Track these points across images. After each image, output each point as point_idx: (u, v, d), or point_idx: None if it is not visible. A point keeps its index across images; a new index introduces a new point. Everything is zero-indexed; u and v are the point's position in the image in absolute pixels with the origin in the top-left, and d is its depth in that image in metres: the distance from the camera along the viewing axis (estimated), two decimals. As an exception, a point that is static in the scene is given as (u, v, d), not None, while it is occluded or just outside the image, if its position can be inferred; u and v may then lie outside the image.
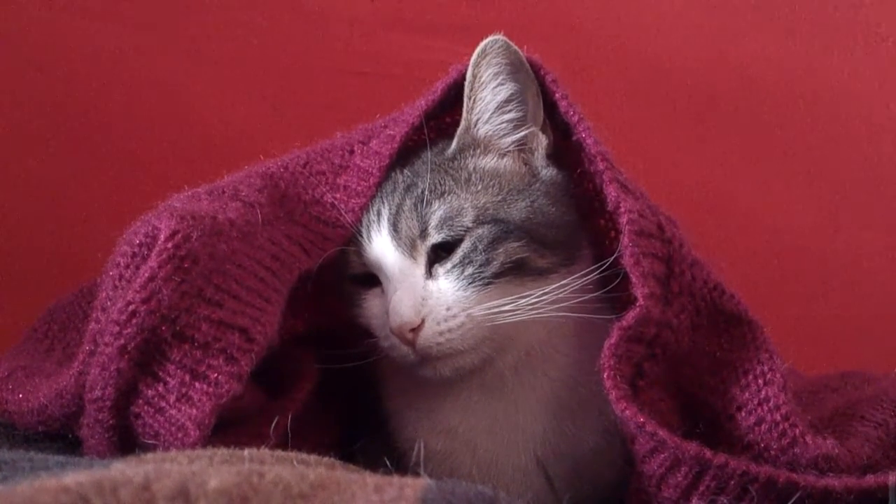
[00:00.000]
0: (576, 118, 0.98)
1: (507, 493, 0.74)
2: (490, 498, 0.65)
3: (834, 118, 1.80)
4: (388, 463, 0.82)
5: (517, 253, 0.95)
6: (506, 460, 0.99)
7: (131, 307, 0.79)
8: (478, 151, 1.02)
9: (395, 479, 0.67)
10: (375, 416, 1.05)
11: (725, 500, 0.84)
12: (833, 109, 1.80)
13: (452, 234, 0.96)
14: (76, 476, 0.57)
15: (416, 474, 0.71)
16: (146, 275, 0.80)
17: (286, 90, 1.75)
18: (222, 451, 0.73)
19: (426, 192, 0.97)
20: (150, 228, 0.84)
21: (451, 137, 1.03)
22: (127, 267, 0.85)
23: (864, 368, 1.25)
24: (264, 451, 0.76)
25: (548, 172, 1.02)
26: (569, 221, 1.00)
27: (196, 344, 0.81)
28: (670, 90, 1.79)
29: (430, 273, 0.96)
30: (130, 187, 1.48)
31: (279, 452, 0.76)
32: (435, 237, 0.96)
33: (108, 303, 0.85)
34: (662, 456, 0.85)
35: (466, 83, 1.00)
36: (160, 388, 0.81)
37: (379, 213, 0.99)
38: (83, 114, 1.74)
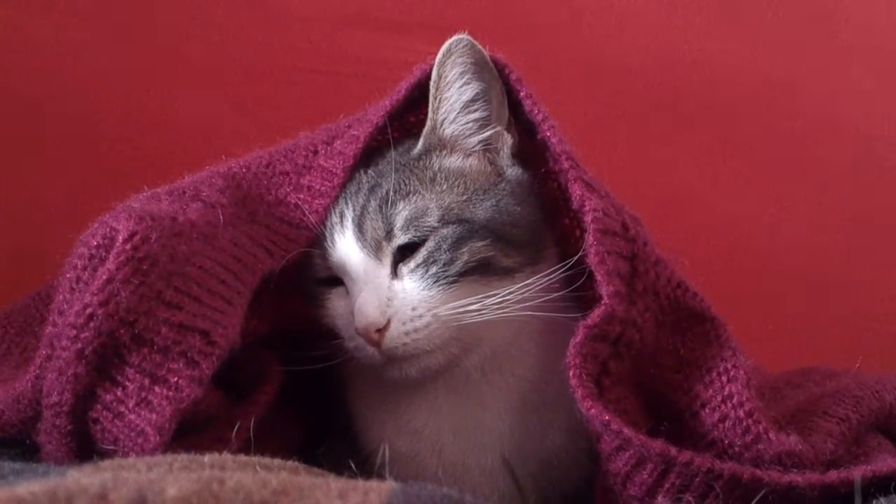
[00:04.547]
0: (540, 117, 0.98)
1: (473, 495, 0.74)
2: (456, 500, 0.65)
3: (793, 116, 1.82)
4: (353, 466, 0.81)
5: (482, 252, 0.95)
6: (472, 461, 0.99)
7: (88, 310, 0.78)
8: (444, 152, 1.02)
9: (360, 483, 0.66)
10: (340, 418, 1.04)
11: (691, 498, 0.84)
12: (791, 107, 1.82)
13: (418, 234, 0.95)
14: (30, 486, 0.56)
15: (382, 477, 0.70)
16: (104, 277, 0.79)
17: (249, 89, 1.73)
18: (182, 458, 0.72)
19: (391, 193, 0.97)
20: (108, 230, 0.83)
21: (415, 137, 1.03)
22: (84, 269, 0.83)
23: (825, 364, 1.27)
24: (226, 457, 0.74)
25: (513, 172, 1.02)
26: (534, 220, 1.00)
27: (155, 347, 0.80)
28: (633, 89, 1.80)
29: (395, 273, 0.96)
30: (88, 187, 1.45)
31: (241, 457, 0.75)
32: (401, 238, 0.95)
33: (65, 306, 0.84)
34: (628, 454, 0.85)
35: (432, 83, 1.00)
36: (119, 393, 0.80)
37: (342, 215, 0.98)
38: (40, 110, 1.70)
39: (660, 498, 0.85)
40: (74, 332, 0.78)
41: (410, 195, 0.97)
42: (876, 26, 1.83)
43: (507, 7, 1.77)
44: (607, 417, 0.84)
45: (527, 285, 0.94)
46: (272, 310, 0.97)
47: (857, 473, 0.86)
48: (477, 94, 1.00)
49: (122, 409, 0.79)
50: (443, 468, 0.99)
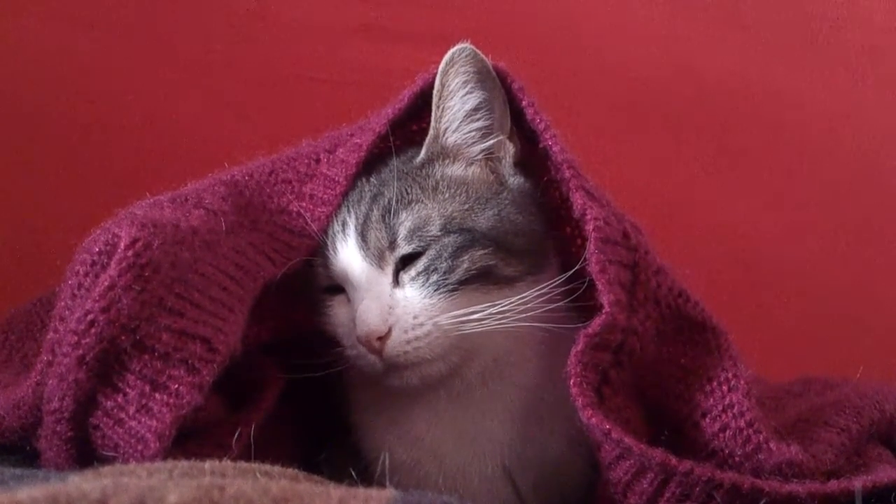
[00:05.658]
0: (542, 126, 0.98)
1: (474, 503, 0.73)
2: (456, 508, 0.65)
3: (792, 124, 1.83)
4: (353, 473, 0.81)
5: (482, 261, 0.95)
6: (473, 469, 0.99)
7: (90, 316, 0.78)
8: (446, 160, 1.02)
9: (361, 491, 0.66)
10: (341, 425, 1.04)
11: (691, 507, 0.84)
12: (790, 116, 1.82)
13: (421, 244, 0.95)
14: (30, 491, 0.56)
15: (382, 485, 0.70)
16: (105, 283, 0.79)
17: (251, 97, 1.74)
18: (182, 464, 0.72)
19: (393, 202, 0.97)
20: (110, 236, 0.83)
21: (418, 145, 1.03)
22: (86, 275, 0.83)
23: (826, 374, 1.27)
24: (226, 464, 0.74)
25: (515, 181, 1.02)
26: (535, 230, 1.00)
27: (156, 354, 0.80)
28: (634, 98, 1.80)
29: (396, 281, 0.96)
30: (90, 193, 1.45)
31: (241, 464, 0.75)
32: (404, 248, 0.96)
33: (67, 312, 0.84)
34: (628, 463, 0.85)
35: (435, 92, 1.00)
36: (119, 399, 0.79)
37: (345, 224, 0.98)
38: (43, 116, 1.70)
39: (660, 507, 0.85)
40: (76, 338, 0.78)
41: (413, 204, 0.97)
42: (876, 36, 1.84)
43: (509, 17, 1.78)
44: (608, 426, 0.84)
45: (528, 295, 0.94)
46: (273, 317, 0.97)
47: (858, 483, 0.85)
48: (479, 103, 1.00)
49: (122, 415, 0.79)
50: (443, 476, 0.98)
